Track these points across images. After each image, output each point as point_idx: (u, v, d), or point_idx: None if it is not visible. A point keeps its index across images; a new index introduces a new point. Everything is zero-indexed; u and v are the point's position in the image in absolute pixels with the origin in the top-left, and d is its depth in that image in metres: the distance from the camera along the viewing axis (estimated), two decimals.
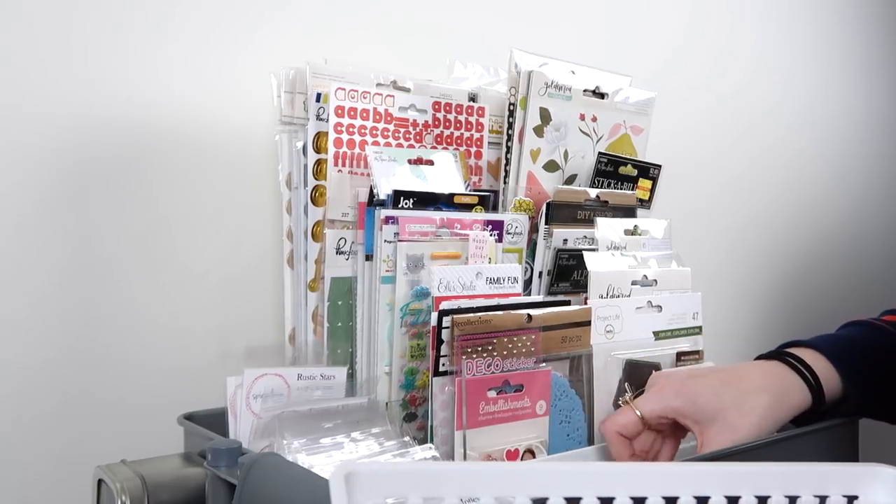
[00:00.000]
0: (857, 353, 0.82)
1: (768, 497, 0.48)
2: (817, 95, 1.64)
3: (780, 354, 0.81)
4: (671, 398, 0.75)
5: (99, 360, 0.88)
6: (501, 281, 0.80)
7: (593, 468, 0.50)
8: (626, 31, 1.31)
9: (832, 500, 0.49)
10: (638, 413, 0.76)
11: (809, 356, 0.80)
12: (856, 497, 0.49)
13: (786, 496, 0.48)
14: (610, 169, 0.94)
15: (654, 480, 0.48)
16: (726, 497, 0.48)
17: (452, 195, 0.82)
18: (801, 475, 0.47)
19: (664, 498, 0.48)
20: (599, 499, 0.47)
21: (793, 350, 0.82)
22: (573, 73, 0.93)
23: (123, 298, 0.89)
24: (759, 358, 0.84)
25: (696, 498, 0.48)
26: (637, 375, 0.82)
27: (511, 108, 0.90)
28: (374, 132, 0.83)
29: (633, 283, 0.85)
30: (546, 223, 0.88)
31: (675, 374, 0.80)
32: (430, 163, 0.84)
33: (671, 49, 1.37)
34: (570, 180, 0.94)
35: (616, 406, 0.82)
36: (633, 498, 0.48)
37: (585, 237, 0.89)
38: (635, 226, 0.91)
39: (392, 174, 0.81)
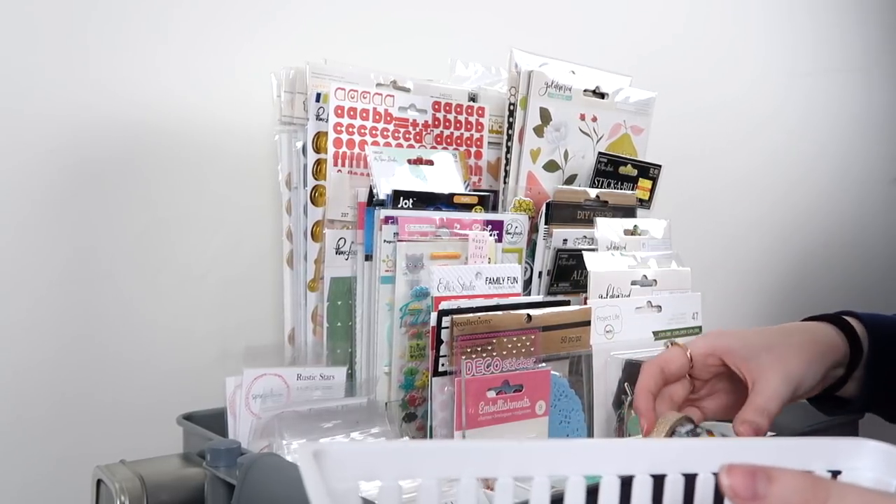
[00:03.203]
0: (890, 327, 0.80)
1: None
2: (818, 96, 1.64)
3: (815, 317, 0.80)
4: (716, 337, 0.72)
5: (98, 360, 0.88)
6: (501, 281, 0.80)
7: (578, 445, 0.48)
8: (627, 31, 1.31)
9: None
10: (689, 354, 0.71)
11: (846, 316, 0.79)
12: (839, 472, 0.48)
13: None
14: (610, 169, 0.94)
15: (642, 459, 0.47)
16: (713, 473, 0.47)
17: (452, 195, 0.82)
18: (784, 450, 0.46)
19: (652, 476, 0.47)
20: (584, 477, 0.46)
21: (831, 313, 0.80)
22: (573, 73, 0.93)
23: (123, 299, 0.89)
24: None
25: (683, 475, 0.47)
26: (637, 376, 0.82)
27: (511, 107, 0.90)
28: (374, 132, 0.83)
29: (633, 283, 0.85)
30: (546, 223, 0.88)
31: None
32: (430, 163, 0.84)
33: (672, 49, 1.37)
34: (570, 180, 0.94)
35: (616, 406, 0.82)
36: (620, 476, 0.46)
37: (585, 237, 0.89)
38: (635, 226, 0.90)
39: (392, 174, 0.81)
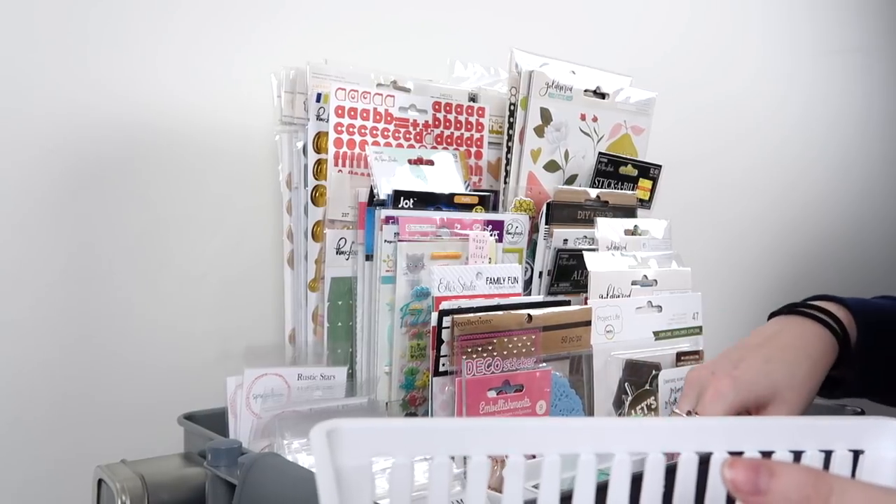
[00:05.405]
0: (879, 315, 0.82)
1: (772, 452, 0.46)
2: (818, 96, 1.64)
3: (802, 310, 0.82)
4: (732, 395, 0.72)
5: (99, 360, 0.88)
6: (501, 281, 0.80)
7: (590, 423, 0.47)
8: (627, 31, 1.31)
9: (838, 455, 0.47)
10: None
11: (831, 306, 0.81)
12: (861, 451, 0.47)
13: (790, 451, 0.46)
14: (610, 169, 0.94)
15: (656, 437, 0.45)
16: (729, 452, 0.46)
17: (452, 195, 0.82)
18: (806, 430, 0.45)
19: (664, 454, 0.45)
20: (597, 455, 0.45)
21: (816, 303, 0.82)
22: (574, 73, 0.93)
23: (123, 299, 0.89)
24: (776, 314, 0.84)
25: (697, 454, 0.46)
26: (637, 376, 0.82)
27: (511, 108, 0.90)
28: (375, 132, 0.83)
29: (634, 283, 0.85)
30: (546, 223, 0.88)
31: (718, 367, 0.75)
32: (431, 163, 0.84)
33: (672, 49, 1.37)
34: (571, 180, 0.94)
35: (616, 406, 0.82)
36: (631, 452, 0.45)
37: (585, 237, 0.89)
38: (635, 226, 0.90)
39: (392, 174, 0.81)
